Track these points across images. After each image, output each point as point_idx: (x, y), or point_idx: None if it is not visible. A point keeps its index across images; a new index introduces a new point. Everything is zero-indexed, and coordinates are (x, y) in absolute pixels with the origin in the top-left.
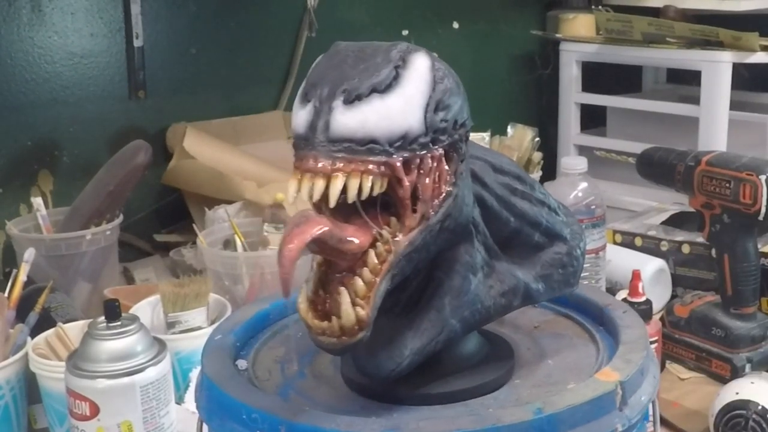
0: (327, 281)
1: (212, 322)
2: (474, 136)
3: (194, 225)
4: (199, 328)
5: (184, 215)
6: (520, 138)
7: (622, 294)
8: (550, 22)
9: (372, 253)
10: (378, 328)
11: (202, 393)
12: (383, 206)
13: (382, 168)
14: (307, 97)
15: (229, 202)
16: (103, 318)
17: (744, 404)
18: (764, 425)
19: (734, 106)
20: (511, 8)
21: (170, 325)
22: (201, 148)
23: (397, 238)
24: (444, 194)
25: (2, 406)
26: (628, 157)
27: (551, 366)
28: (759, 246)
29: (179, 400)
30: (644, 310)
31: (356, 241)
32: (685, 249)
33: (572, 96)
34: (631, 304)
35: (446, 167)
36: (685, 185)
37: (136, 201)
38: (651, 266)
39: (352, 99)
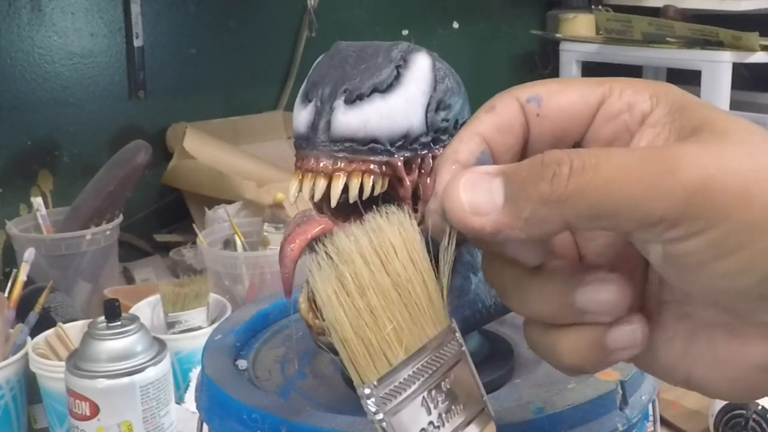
0: None
1: (212, 322)
2: None
3: (194, 225)
4: (199, 328)
5: (184, 215)
6: None
7: None
8: (550, 22)
9: None
10: None
11: (202, 393)
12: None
13: (384, 168)
14: (308, 97)
15: (229, 202)
16: (103, 318)
17: (744, 404)
18: (764, 425)
19: (734, 106)
20: (511, 8)
21: (170, 325)
22: (201, 148)
23: None
24: None
25: (2, 406)
26: None
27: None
28: None
29: (179, 400)
30: None
31: None
32: None
33: None
34: None
35: None
36: None
37: (136, 201)
38: None
39: (354, 99)
